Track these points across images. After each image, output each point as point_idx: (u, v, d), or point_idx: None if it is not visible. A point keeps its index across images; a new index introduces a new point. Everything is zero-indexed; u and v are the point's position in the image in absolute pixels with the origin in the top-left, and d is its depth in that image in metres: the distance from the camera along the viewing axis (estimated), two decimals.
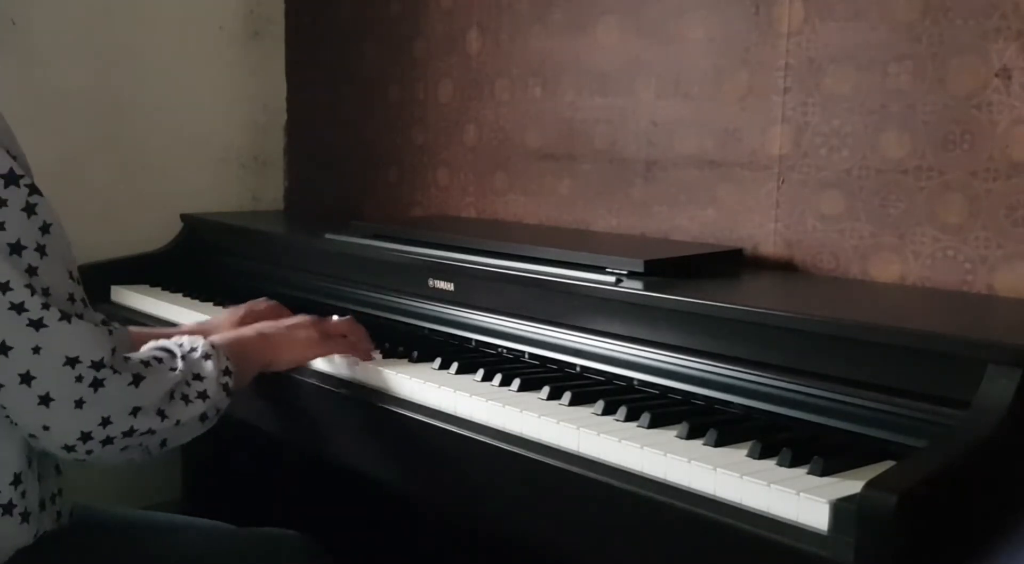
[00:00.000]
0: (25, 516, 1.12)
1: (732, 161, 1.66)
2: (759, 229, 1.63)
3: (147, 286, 2.06)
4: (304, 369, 1.46)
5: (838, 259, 1.54)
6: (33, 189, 1.07)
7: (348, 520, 1.94)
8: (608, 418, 1.16)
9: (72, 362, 1.06)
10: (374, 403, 1.33)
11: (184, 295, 1.96)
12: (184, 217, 2.27)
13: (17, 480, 1.11)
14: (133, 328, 1.55)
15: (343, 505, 1.97)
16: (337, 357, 1.43)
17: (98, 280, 2.05)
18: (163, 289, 2.03)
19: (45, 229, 1.07)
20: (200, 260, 2.18)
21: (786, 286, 1.51)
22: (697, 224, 1.72)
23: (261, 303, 1.60)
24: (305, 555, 1.34)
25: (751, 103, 1.63)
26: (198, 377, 1.20)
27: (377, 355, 1.46)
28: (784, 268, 1.59)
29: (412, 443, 1.29)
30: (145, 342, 1.30)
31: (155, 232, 2.24)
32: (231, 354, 1.27)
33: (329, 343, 1.43)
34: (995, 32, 1.36)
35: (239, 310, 1.58)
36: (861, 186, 1.50)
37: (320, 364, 1.45)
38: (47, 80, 2.19)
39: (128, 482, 2.26)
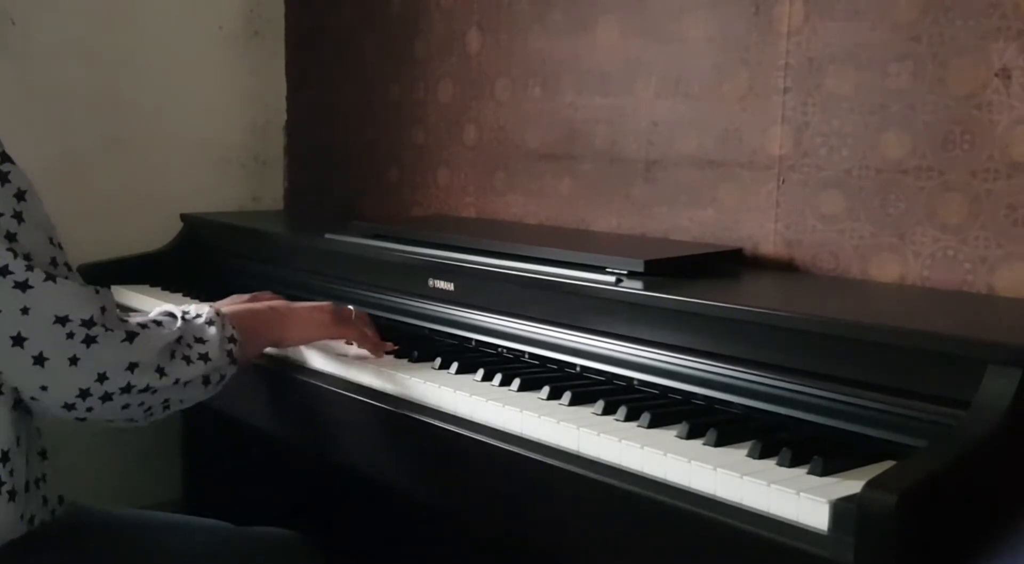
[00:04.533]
0: (12, 495, 1.12)
1: (732, 161, 1.66)
2: (759, 229, 1.63)
3: (147, 286, 2.06)
4: (304, 368, 1.46)
5: (838, 259, 1.54)
6: (4, 157, 1.07)
7: (348, 520, 1.94)
8: (608, 418, 1.16)
9: (62, 320, 1.06)
10: (374, 403, 1.33)
11: (184, 295, 1.96)
12: (184, 217, 2.27)
13: (5, 457, 1.10)
14: None
15: (343, 505, 1.97)
16: (339, 354, 1.43)
17: (98, 280, 2.02)
18: (163, 289, 2.03)
19: (20, 196, 1.07)
20: (200, 260, 2.18)
21: (786, 286, 1.51)
22: (697, 224, 1.72)
23: (266, 294, 1.59)
24: (303, 555, 1.34)
25: (751, 103, 1.63)
26: (200, 340, 1.19)
27: None
28: (784, 268, 1.59)
29: (411, 443, 1.29)
30: None
31: (155, 232, 2.24)
32: (238, 324, 1.27)
33: (341, 327, 1.42)
34: (995, 32, 1.36)
35: (243, 297, 1.57)
36: (861, 186, 1.50)
37: (320, 364, 1.45)
38: (47, 80, 2.19)
39: (127, 482, 2.26)
